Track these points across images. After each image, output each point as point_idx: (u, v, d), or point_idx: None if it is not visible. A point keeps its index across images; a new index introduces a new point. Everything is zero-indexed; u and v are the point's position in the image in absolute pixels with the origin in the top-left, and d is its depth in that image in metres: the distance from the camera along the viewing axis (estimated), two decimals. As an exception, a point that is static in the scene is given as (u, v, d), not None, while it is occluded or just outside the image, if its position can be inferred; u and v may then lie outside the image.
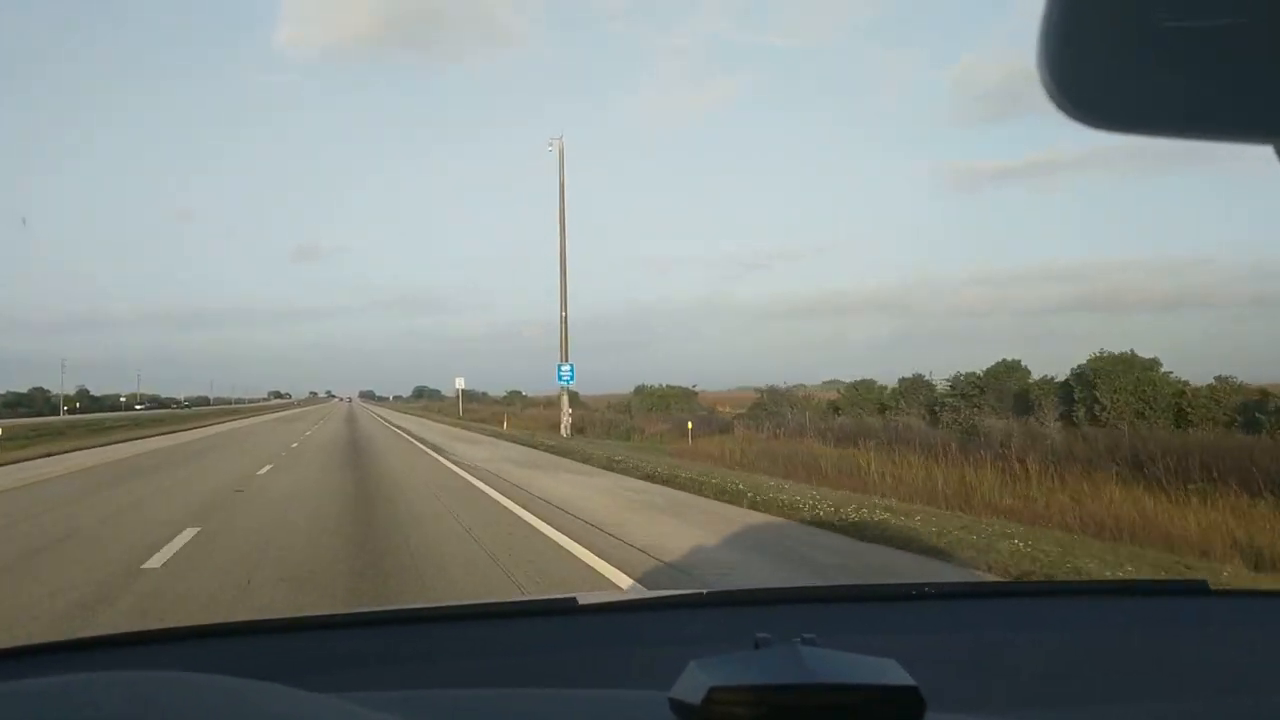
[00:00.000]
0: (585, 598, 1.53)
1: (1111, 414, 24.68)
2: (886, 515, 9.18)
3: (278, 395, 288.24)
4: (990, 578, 6.37)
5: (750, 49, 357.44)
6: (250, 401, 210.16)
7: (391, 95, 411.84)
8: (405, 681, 1.12)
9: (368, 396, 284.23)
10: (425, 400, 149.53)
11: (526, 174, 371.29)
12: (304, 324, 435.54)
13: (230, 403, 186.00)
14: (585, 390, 70.61)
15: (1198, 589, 1.65)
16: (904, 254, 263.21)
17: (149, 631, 1.35)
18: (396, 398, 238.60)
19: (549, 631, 1.44)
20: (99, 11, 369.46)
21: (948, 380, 32.57)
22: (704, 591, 1.62)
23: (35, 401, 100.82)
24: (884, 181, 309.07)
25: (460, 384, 60.48)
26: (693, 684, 0.76)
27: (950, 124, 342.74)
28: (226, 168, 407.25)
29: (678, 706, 0.77)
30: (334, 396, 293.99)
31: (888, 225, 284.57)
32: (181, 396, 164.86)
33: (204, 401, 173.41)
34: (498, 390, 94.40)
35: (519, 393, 74.45)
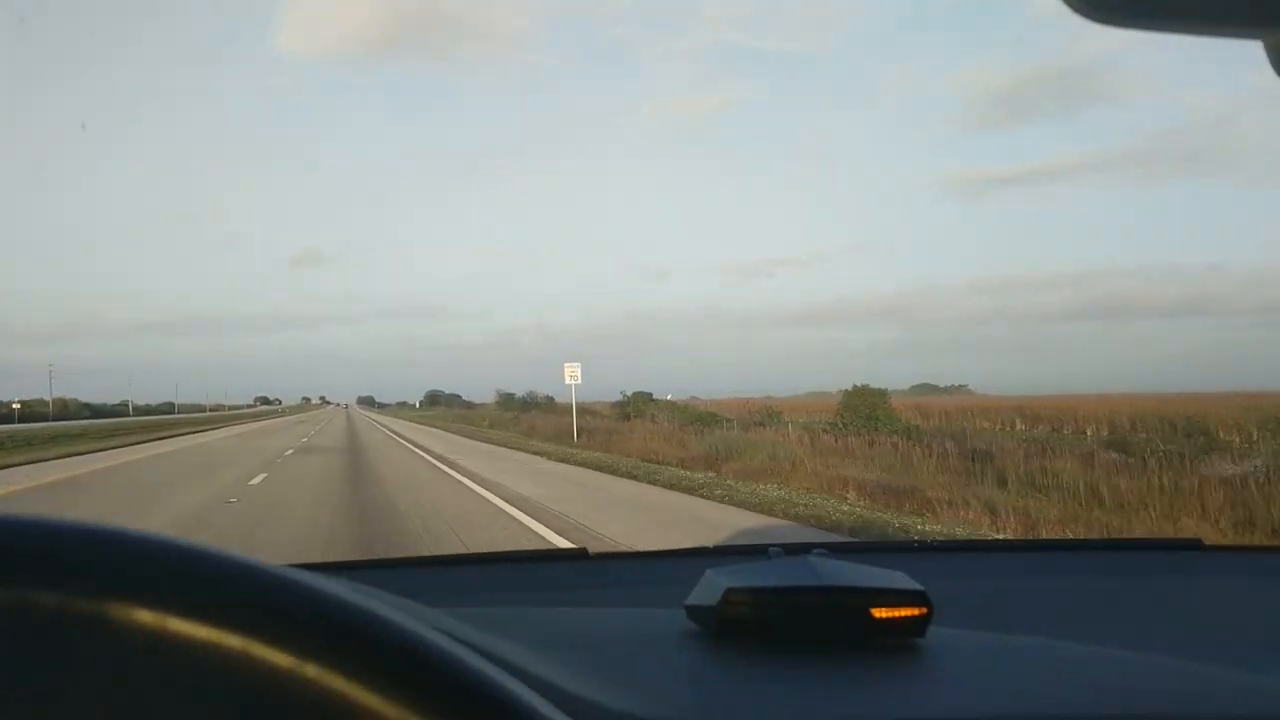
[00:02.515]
0: (594, 550, 1.74)
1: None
2: None
3: (265, 401, 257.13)
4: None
5: (753, 55, 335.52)
6: (233, 408, 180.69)
7: (394, 100, 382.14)
8: (465, 603, 1.22)
9: (367, 403, 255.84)
10: (445, 408, 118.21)
11: (528, 178, 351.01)
12: (300, 330, 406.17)
13: (205, 409, 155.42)
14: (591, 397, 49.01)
15: (1191, 545, 1.81)
16: (906, 261, 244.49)
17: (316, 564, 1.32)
18: (402, 404, 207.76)
19: (566, 572, 1.62)
20: (94, 14, 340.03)
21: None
22: (709, 546, 1.76)
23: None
24: (886, 188, 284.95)
25: (574, 376, 29.10)
26: (709, 588, 0.83)
27: (953, 131, 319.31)
28: (225, 173, 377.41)
29: (694, 611, 0.84)
30: (328, 403, 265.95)
31: (890, 232, 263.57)
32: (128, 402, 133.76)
33: (168, 409, 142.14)
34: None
35: (648, 395, 42.97)
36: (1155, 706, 0.71)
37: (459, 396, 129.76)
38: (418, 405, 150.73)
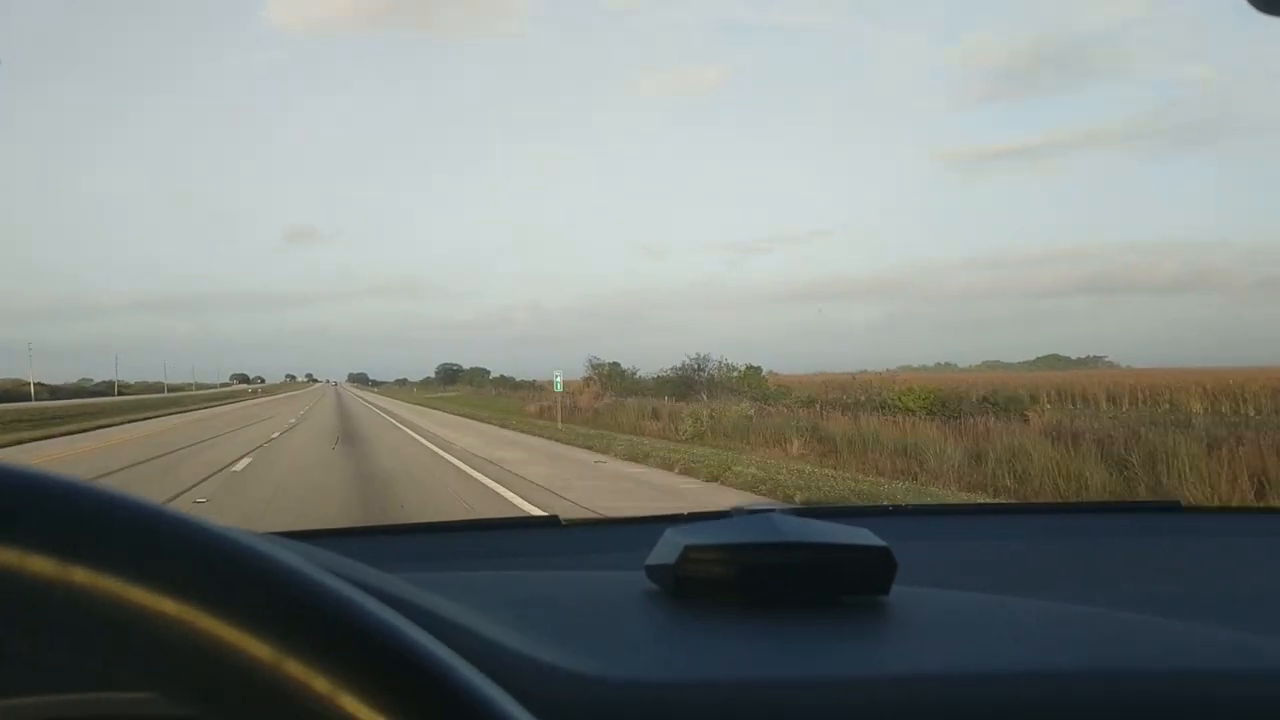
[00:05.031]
0: (565, 519, 1.67)
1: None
2: None
3: (244, 379, 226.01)
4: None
5: (751, 28, 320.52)
6: (202, 386, 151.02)
7: (388, 73, 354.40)
8: (431, 569, 1.20)
9: (359, 380, 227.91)
10: (470, 386, 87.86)
11: (523, 154, 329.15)
12: (290, 308, 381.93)
13: (163, 390, 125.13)
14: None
15: (1171, 507, 1.81)
16: (903, 237, 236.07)
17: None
18: (401, 382, 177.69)
19: (537, 539, 1.59)
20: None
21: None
22: (684, 513, 1.70)
23: None
24: (883, 164, 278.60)
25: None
26: (668, 547, 0.79)
27: (951, 106, 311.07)
28: (214, 149, 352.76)
29: (653, 571, 0.80)
30: (315, 380, 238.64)
31: (886, 208, 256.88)
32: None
33: (107, 389, 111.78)
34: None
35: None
36: (1121, 660, 0.68)
37: (487, 371, 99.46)
38: (421, 384, 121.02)
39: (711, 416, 21.59)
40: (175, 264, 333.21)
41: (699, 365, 33.76)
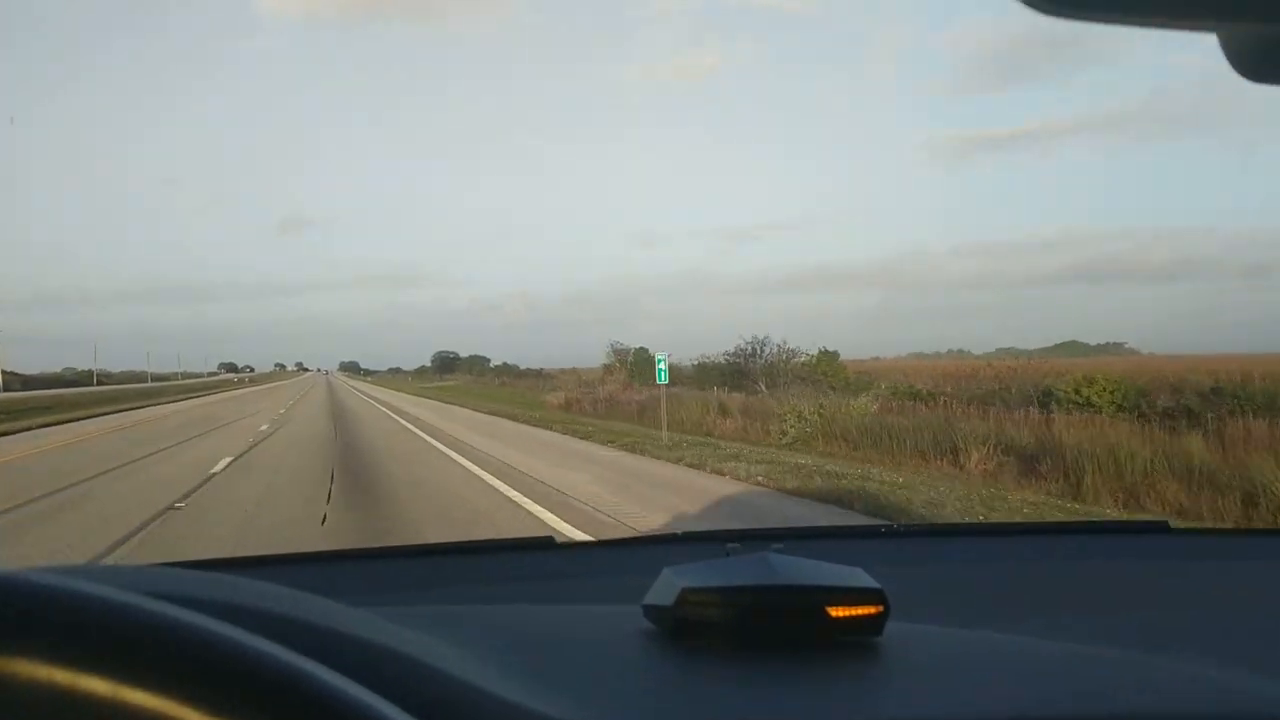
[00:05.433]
0: (560, 539, 1.65)
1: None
2: None
3: (232, 368, 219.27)
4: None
5: (744, 17, 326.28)
6: (188, 376, 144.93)
7: (382, 62, 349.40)
8: (413, 600, 1.20)
9: (351, 370, 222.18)
10: (470, 375, 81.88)
11: (514, 143, 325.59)
12: (281, 297, 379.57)
13: (147, 379, 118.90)
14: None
15: (1159, 528, 1.78)
16: (894, 224, 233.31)
17: (223, 559, 1.42)
18: (395, 370, 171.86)
19: (530, 563, 1.52)
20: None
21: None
22: (678, 533, 1.70)
23: None
24: (876, 151, 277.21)
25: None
26: (665, 588, 0.80)
27: (943, 93, 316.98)
28: (206, 138, 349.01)
29: (650, 611, 0.81)
30: (305, 369, 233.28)
31: (878, 195, 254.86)
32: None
33: (87, 379, 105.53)
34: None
35: None
36: (1112, 705, 0.68)
37: (486, 359, 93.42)
38: (417, 373, 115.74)
39: (820, 415, 15.79)
40: (167, 253, 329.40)
41: (754, 350, 28.00)
